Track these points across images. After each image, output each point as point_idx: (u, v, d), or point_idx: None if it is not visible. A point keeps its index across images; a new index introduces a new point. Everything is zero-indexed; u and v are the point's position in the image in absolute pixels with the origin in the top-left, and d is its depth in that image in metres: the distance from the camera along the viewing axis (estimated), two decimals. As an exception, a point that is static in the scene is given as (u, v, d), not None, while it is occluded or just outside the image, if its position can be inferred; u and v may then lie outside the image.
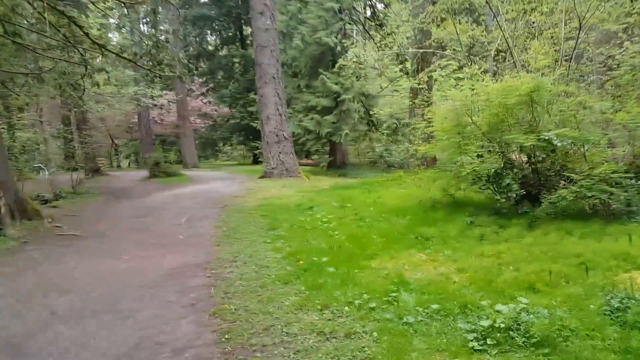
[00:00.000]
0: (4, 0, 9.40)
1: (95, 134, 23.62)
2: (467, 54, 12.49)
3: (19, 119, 18.13)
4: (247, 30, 32.66)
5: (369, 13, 26.45)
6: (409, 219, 7.30)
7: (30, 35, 11.37)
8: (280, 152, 17.61)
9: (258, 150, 24.11)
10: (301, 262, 5.53)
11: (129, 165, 33.77)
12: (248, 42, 32.83)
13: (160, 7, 25.68)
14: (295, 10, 22.64)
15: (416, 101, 14.19)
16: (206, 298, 4.74)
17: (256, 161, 29.36)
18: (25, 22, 10.94)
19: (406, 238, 6.30)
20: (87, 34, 10.37)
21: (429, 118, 8.48)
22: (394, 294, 4.26)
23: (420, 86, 13.74)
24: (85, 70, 13.25)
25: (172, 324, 4.13)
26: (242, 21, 33.59)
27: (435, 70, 12.77)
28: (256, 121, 22.23)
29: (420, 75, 13.75)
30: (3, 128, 14.85)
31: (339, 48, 21.10)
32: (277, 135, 17.63)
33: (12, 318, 4.39)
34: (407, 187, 10.41)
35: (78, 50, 10.68)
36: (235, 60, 34.42)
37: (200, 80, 33.57)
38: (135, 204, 12.32)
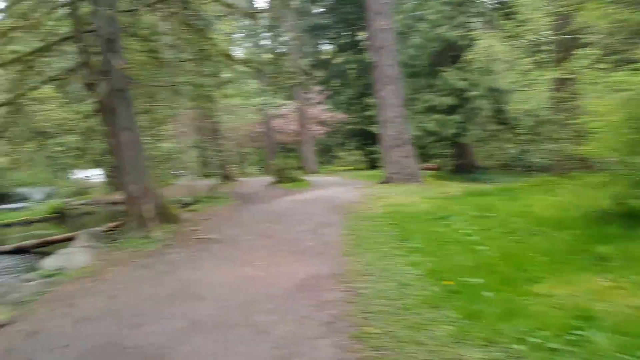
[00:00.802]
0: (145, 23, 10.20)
1: (226, 143, 25.20)
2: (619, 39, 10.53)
3: (162, 131, 19.99)
4: (361, 35, 32.47)
5: (494, 1, 24.42)
6: (572, 234, 6.10)
7: (168, 52, 12.30)
8: (400, 156, 16.83)
9: (375, 155, 23.58)
10: (448, 282, 4.80)
11: (256, 171, 35.70)
12: (362, 46, 32.64)
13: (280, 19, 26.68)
14: (412, 8, 21.75)
15: (562, 94, 12.39)
16: (344, 316, 4.30)
17: (373, 166, 28.92)
18: (163, 39, 11.83)
19: (575, 257, 5.19)
20: (215, 45, 10.81)
21: (589, 111, 7.11)
22: (578, 332, 3.36)
23: (567, 76, 11.96)
24: (216, 82, 14.12)
25: (309, 344, 3.76)
26: (356, 27, 33.53)
27: (583, 59, 10.99)
28: (372, 125, 21.74)
29: (565, 64, 11.97)
30: (148, 139, 16.43)
31: (462, 42, 19.68)
32: (397, 139, 16.89)
33: (153, 324, 4.40)
34: (559, 194, 8.98)
35: (210, 61, 11.23)
36: (349, 66, 34.51)
37: (317, 88, 34.28)
38: (263, 209, 12.58)
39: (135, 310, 4.83)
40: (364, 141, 31.08)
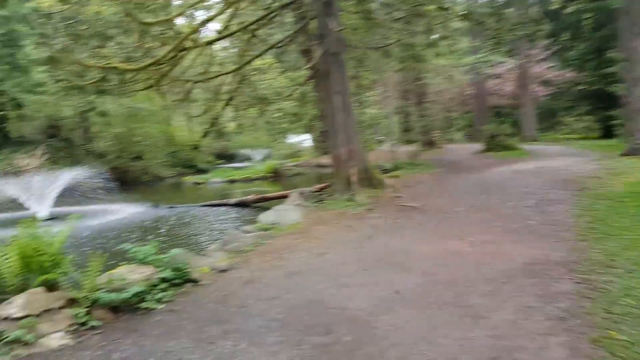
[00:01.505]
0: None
1: (431, 107, 24.54)
2: None
3: (367, 97, 20.49)
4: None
5: None
6: None
7: (380, 12, 12.23)
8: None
9: (613, 121, 19.75)
10: None
11: (462, 138, 34.12)
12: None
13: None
14: None
15: None
16: (580, 314, 3.56)
17: (608, 134, 24.42)
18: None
19: None
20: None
21: None
22: None
23: None
24: (427, 41, 13.61)
25: (536, 340, 3.20)
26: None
27: None
28: (614, 85, 18.14)
29: None
30: (355, 105, 17.02)
31: None
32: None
33: (357, 288, 4.41)
34: None
35: (423, 18, 10.77)
36: (584, 16, 29.25)
37: (543, 43, 30.24)
38: (472, 179, 11.79)
39: (340, 271, 4.95)
40: (599, 104, 26.44)
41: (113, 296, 3.96)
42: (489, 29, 10.73)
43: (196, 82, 11.53)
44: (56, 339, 3.59)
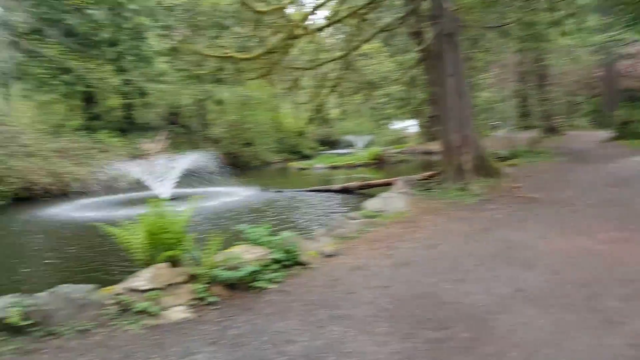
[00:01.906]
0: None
1: (553, 90, 22.54)
2: None
3: (481, 79, 19.38)
4: None
5: None
6: None
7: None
8: None
9: None
10: None
11: (587, 124, 30.93)
12: None
13: None
14: None
15: None
16: None
17: None
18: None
19: None
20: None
21: None
22: None
23: None
24: (551, 19, 12.39)
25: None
26: None
27: None
28: None
29: None
30: (468, 87, 16.17)
31: None
32: None
33: (475, 284, 4.17)
34: None
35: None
36: None
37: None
38: (601, 170, 10.62)
39: (454, 265, 4.73)
40: None
41: (230, 274, 4.18)
42: (624, 3, 9.48)
43: (305, 69, 11.75)
44: (178, 312, 3.88)
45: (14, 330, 3.42)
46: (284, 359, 3.00)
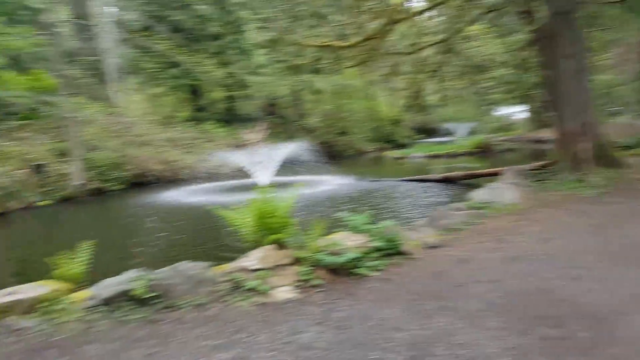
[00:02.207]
0: None
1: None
2: None
3: (600, 61, 17.71)
4: None
5: None
6: None
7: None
8: None
9: None
10: None
11: None
12: None
13: None
14: None
15: None
16: None
17: None
18: None
19: None
20: None
21: None
22: None
23: None
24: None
25: None
26: None
27: None
28: None
29: None
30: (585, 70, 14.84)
31: None
32: None
33: (596, 282, 3.86)
34: None
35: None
36: None
37: None
38: None
39: (571, 261, 4.41)
40: None
41: (332, 259, 4.29)
42: None
43: (405, 54, 11.54)
44: (284, 292, 4.07)
45: (139, 301, 3.82)
46: (391, 345, 3.02)
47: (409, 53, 11.89)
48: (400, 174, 13.76)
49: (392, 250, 4.84)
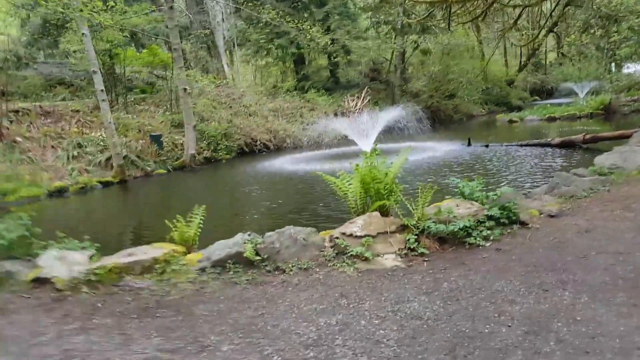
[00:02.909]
0: None
1: None
2: None
3: None
4: None
5: None
6: None
7: None
8: None
9: None
10: None
11: None
12: None
13: None
14: None
15: None
16: None
17: None
18: None
19: None
20: None
21: None
22: None
23: None
24: None
25: None
26: None
27: None
28: None
29: None
30: None
31: None
32: None
33: None
34: None
35: None
36: None
37: None
38: None
39: None
40: None
41: (442, 227, 4.09)
42: None
43: (525, 6, 10.50)
44: (389, 260, 3.98)
45: (248, 263, 3.97)
46: (503, 318, 2.81)
47: (529, 5, 10.77)
48: (514, 139, 12.87)
49: (507, 220, 4.50)
